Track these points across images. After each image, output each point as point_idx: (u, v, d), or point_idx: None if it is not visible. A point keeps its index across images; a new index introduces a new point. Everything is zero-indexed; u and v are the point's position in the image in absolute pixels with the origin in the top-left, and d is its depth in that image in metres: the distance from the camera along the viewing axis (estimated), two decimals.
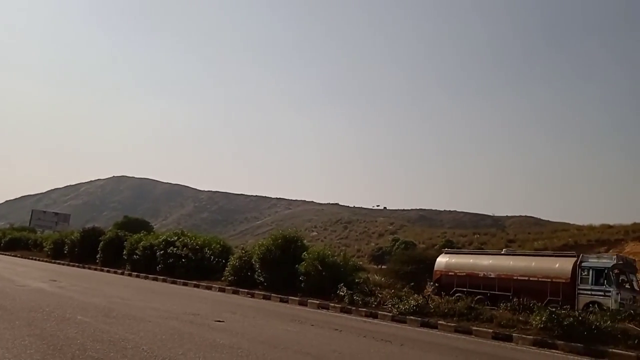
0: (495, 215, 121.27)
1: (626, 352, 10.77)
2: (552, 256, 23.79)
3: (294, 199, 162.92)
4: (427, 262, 30.17)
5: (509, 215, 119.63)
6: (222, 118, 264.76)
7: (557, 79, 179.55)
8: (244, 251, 22.34)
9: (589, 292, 18.72)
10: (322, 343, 9.59)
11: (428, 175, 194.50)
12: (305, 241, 23.99)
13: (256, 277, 20.42)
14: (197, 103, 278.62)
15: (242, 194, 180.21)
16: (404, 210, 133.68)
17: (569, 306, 15.55)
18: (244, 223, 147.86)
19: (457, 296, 18.04)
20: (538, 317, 12.60)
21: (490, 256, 24.59)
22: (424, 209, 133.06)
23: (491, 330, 12.94)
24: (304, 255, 19.18)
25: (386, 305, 15.94)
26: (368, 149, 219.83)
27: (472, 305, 14.75)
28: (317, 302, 17.31)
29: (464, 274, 22.52)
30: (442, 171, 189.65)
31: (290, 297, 18.28)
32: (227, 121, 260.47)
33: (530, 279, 20.16)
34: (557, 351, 11.40)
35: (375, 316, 15.41)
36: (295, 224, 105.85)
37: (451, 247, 52.78)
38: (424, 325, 14.10)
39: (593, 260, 19.77)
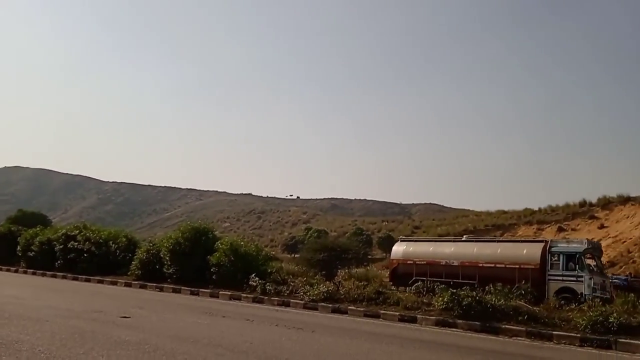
0: (403, 203, 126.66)
1: (517, 327, 11.72)
2: (518, 242, 23.48)
3: (205, 189, 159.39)
4: (338, 250, 30.84)
5: (415, 203, 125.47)
6: (126, 104, 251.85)
7: (460, 70, 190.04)
8: (152, 244, 21.57)
9: (560, 278, 18.17)
10: (234, 334, 9.53)
11: (339, 166, 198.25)
12: (217, 232, 23.63)
13: (165, 270, 19.80)
14: (97, 87, 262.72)
15: (149, 185, 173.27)
16: (316, 199, 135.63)
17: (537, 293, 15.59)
18: (152, 215, 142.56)
19: (416, 286, 17.21)
20: (440, 299, 13.36)
21: (452, 243, 23.70)
22: (336, 198, 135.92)
23: (397, 313, 13.55)
24: (217, 246, 18.88)
25: (298, 293, 16.13)
26: (280, 139, 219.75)
27: (380, 290, 15.31)
28: (229, 293, 17.14)
29: (424, 262, 21.32)
30: (352, 161, 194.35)
31: (201, 290, 17.93)
32: (131, 108, 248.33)
33: (497, 265, 19.37)
34: (457, 330, 12.17)
35: (287, 305, 15.54)
36: (207, 215, 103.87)
37: (361, 234, 54.46)
38: (334, 311, 14.45)
39: (563, 245, 19.29)
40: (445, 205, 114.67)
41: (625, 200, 43.50)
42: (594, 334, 10.75)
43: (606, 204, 44.60)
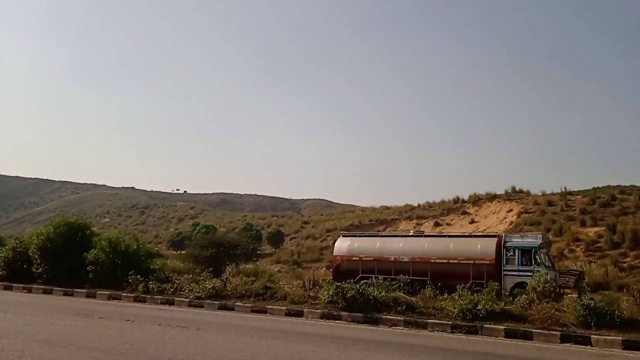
0: (292, 198, 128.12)
1: (396, 317, 12.40)
2: (470, 236, 23.01)
3: (82, 182, 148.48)
4: (227, 246, 30.45)
5: (304, 198, 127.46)
6: None
7: (347, 65, 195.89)
8: (18, 241, 19.70)
9: (516, 273, 18.05)
10: (112, 336, 9.02)
11: (229, 160, 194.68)
12: (95, 228, 22.16)
13: (34, 270, 18.19)
14: None
15: (17, 177, 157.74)
16: (205, 194, 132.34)
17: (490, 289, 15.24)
18: (20, 210, 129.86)
19: (363, 283, 16.33)
20: (326, 292, 13.73)
21: (401, 239, 22.77)
22: (225, 193, 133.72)
23: (284, 308, 13.70)
24: (94, 243, 17.72)
25: (183, 291, 15.67)
26: (165, 130, 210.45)
27: (268, 285, 15.37)
28: (108, 292, 16.19)
29: (371, 258, 20.48)
30: (242, 155, 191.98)
31: (75, 290, 16.73)
32: None
33: (450, 261, 18.99)
34: (340, 322, 12.59)
35: (172, 303, 15.03)
36: (83, 209, 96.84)
37: (250, 229, 54.08)
38: (221, 308, 14.25)
39: (517, 240, 19.19)
40: (333, 201, 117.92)
41: (492, 197, 47.88)
42: (464, 321, 11.71)
43: (476, 200, 48.73)
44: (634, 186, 44.50)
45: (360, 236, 24.76)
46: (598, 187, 44.09)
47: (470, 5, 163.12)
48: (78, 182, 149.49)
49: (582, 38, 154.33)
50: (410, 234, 24.04)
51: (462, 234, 27.28)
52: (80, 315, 11.54)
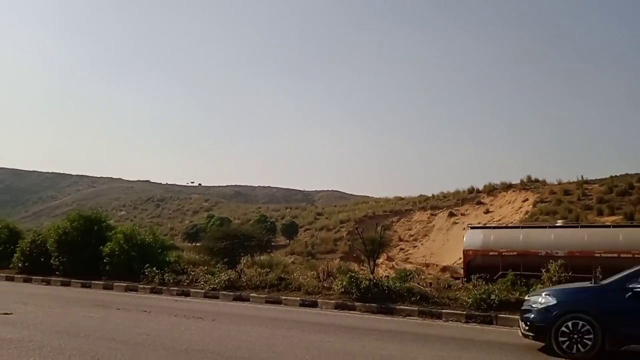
0: (306, 190, 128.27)
1: (410, 307, 12.40)
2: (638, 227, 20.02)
3: (98, 176, 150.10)
4: (241, 237, 30.61)
5: (318, 190, 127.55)
6: (8, 83, 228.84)
7: (363, 59, 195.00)
8: (37, 234, 20.02)
9: None
10: (129, 326, 9.14)
11: (242, 152, 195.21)
12: (112, 221, 22.40)
13: (52, 262, 18.47)
14: None
15: (35, 171, 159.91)
16: (219, 186, 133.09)
17: None
18: (38, 204, 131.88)
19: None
20: (339, 282, 13.77)
21: (550, 230, 19.87)
22: (239, 185, 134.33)
23: (299, 299, 13.77)
24: (110, 235, 17.94)
25: (199, 282, 15.82)
26: (180, 123, 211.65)
27: (282, 276, 15.44)
28: (125, 284, 16.40)
29: (515, 253, 18.43)
30: (256, 148, 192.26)
31: (93, 282, 16.97)
32: (11, 87, 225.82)
33: (622, 255, 16.54)
34: (355, 312, 12.63)
35: (187, 294, 15.19)
36: (100, 203, 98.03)
37: (265, 221, 54.34)
38: (236, 299, 14.37)
39: None
40: (346, 192, 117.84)
41: (507, 187, 47.48)
42: (478, 311, 11.68)
43: (491, 190, 48.38)
44: None
45: (494, 228, 22.36)
46: (615, 176, 43.50)
47: None
48: (94, 175, 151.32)
49: (595, 26, 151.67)
50: (558, 224, 21.21)
51: (630, 224, 23.76)
52: (98, 307, 11.71)
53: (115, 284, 16.57)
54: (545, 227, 21.21)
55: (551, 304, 8.04)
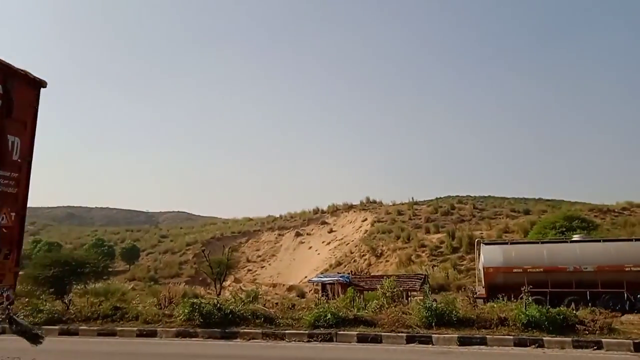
0: (150, 211, 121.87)
1: (254, 330, 12.31)
2: None
3: None
4: (73, 264, 27.96)
5: (162, 211, 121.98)
6: None
7: (204, 78, 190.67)
8: None
9: None
10: None
11: (76, 169, 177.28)
12: None
13: None
14: None
15: None
16: (48, 207, 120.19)
17: None
18: None
19: (535, 298, 13.82)
20: (181, 309, 13.19)
21: (574, 245, 19.14)
22: (73, 206, 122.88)
23: (136, 329, 12.88)
24: None
25: (17, 316, 13.94)
26: None
27: (118, 305, 14.35)
28: None
29: (541, 269, 17.71)
30: (92, 164, 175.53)
31: None
32: None
33: None
34: (197, 339, 12.16)
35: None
36: None
37: (102, 245, 50.21)
38: (63, 333, 12.97)
39: None
40: (194, 213, 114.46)
41: (349, 207, 50.34)
42: (319, 329, 12.03)
43: (334, 210, 50.85)
44: (470, 196, 49.95)
45: (511, 243, 20.88)
46: (440, 197, 48.77)
47: None
48: None
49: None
50: (574, 238, 20.62)
51: None
52: None
53: None
54: (566, 241, 20.47)
55: None
